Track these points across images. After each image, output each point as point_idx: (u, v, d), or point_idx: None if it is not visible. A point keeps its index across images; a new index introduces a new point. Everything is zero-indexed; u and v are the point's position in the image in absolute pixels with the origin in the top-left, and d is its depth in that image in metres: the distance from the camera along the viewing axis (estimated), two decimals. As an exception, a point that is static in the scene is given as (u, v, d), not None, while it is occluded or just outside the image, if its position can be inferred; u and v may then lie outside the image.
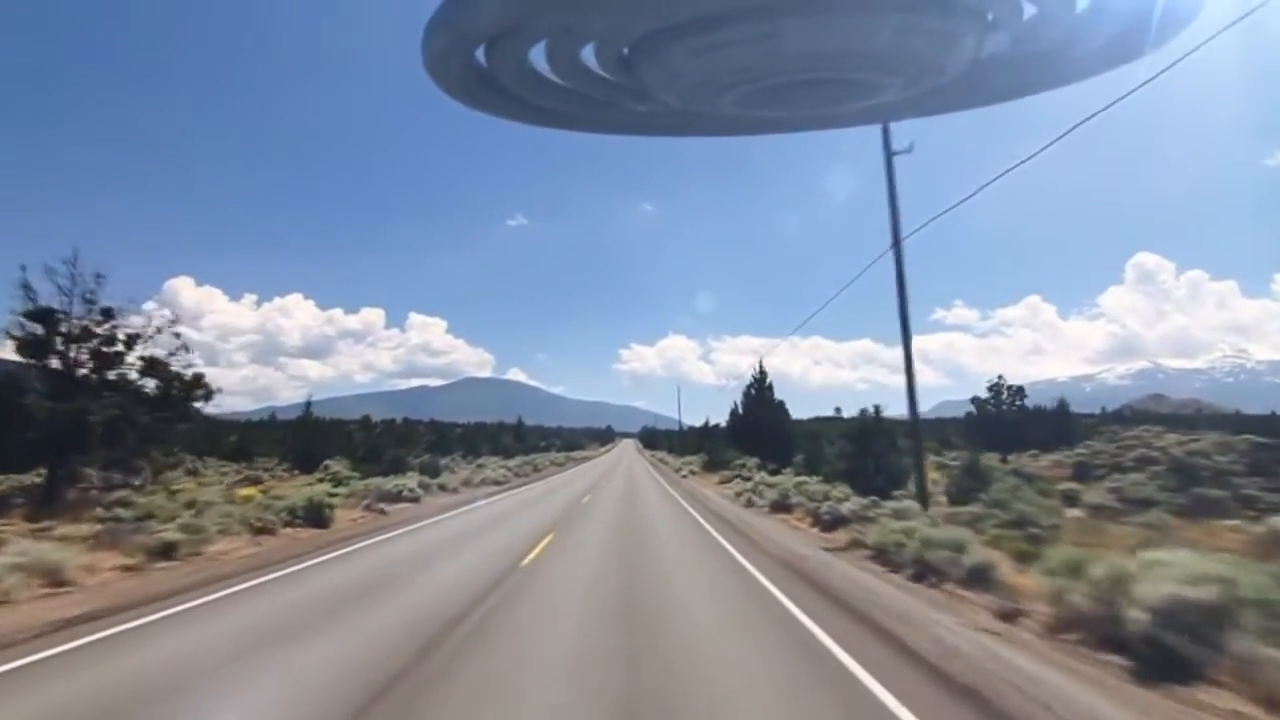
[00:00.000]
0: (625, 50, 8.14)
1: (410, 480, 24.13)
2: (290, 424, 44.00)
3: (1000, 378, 41.26)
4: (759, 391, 35.88)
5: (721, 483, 35.75)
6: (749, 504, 21.81)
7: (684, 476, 42.41)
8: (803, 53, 7.74)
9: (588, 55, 8.19)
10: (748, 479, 33.68)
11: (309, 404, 39.64)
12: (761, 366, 36.56)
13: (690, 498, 25.80)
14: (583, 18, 7.52)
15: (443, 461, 40.07)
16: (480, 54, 7.67)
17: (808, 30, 7.54)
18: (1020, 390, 40.45)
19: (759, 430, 35.44)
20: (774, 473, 34.84)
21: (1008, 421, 38.65)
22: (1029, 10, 7.44)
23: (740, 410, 36.53)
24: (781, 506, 18.90)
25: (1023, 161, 11.37)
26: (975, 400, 42.54)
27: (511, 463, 49.80)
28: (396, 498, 22.04)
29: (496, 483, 33.77)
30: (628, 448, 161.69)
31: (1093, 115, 9.73)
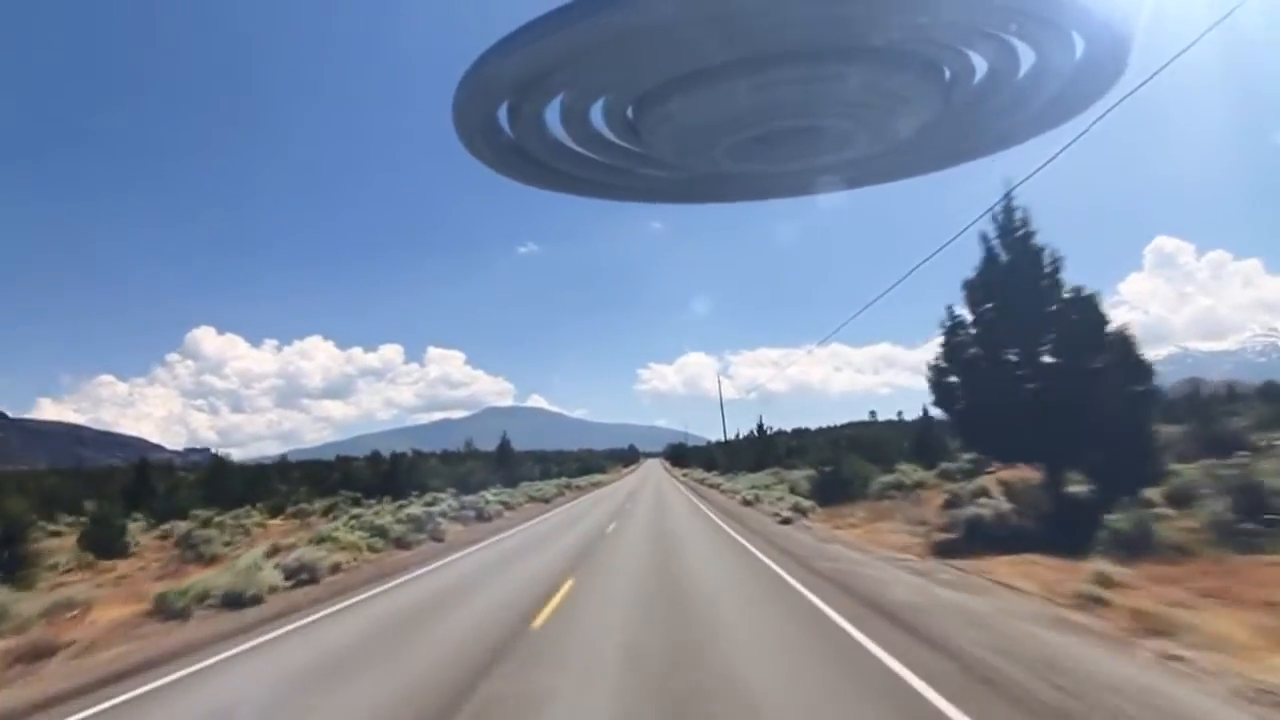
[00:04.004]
0: (630, 113, 19.52)
1: None
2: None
3: None
4: (1016, 261, 11.99)
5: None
6: None
7: (784, 521, 18.63)
8: (782, 101, 17.71)
9: (598, 121, 19.98)
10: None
11: None
12: (1009, 196, 12.66)
13: None
14: (588, 72, 17.25)
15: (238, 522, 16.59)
16: (505, 123, 19.51)
17: (786, 80, 17.09)
18: None
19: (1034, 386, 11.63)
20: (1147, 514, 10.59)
21: None
22: (981, 69, 17.95)
23: (973, 326, 12.44)
24: None
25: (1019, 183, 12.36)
26: None
27: (437, 509, 26.39)
28: None
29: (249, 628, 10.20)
30: (653, 467, 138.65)
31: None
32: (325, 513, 29.43)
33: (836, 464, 22.83)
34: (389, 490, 45.12)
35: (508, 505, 32.30)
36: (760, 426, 62.87)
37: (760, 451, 54.22)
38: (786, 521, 18.76)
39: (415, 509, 25.27)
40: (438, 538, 20.22)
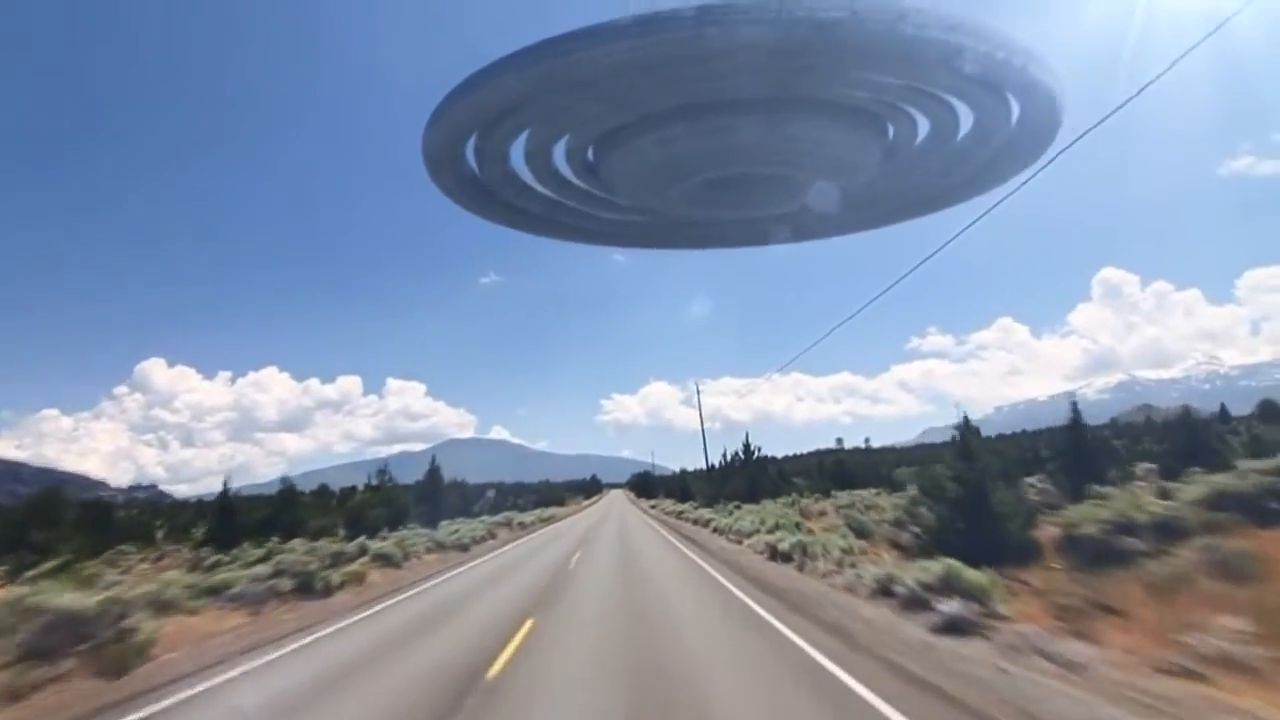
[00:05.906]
0: (590, 155, 20.73)
1: None
2: None
3: None
4: None
5: None
6: None
7: (950, 628, 7.45)
8: (734, 146, 19.04)
9: (560, 163, 21.51)
10: None
11: None
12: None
13: None
14: (546, 114, 18.38)
15: None
16: (473, 162, 20.83)
17: (738, 128, 18.17)
18: None
19: None
20: None
21: None
22: (924, 128, 20.03)
23: None
24: None
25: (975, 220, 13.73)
26: None
27: (239, 575, 14.40)
28: None
29: None
30: (617, 499, 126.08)
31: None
32: (50, 574, 17.17)
33: (980, 488, 11.60)
34: (250, 534, 32.34)
35: (389, 560, 20.23)
36: (747, 448, 51.62)
37: (753, 479, 43.01)
38: (972, 630, 7.44)
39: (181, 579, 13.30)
40: (108, 671, 8.35)
